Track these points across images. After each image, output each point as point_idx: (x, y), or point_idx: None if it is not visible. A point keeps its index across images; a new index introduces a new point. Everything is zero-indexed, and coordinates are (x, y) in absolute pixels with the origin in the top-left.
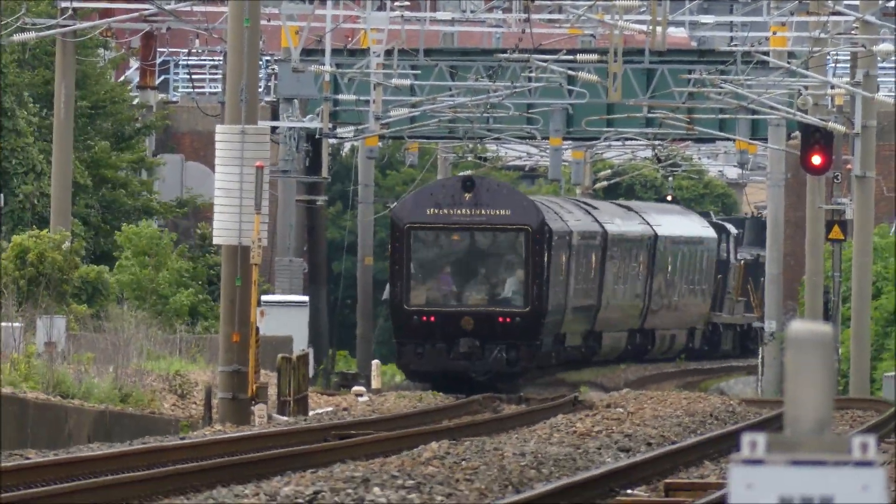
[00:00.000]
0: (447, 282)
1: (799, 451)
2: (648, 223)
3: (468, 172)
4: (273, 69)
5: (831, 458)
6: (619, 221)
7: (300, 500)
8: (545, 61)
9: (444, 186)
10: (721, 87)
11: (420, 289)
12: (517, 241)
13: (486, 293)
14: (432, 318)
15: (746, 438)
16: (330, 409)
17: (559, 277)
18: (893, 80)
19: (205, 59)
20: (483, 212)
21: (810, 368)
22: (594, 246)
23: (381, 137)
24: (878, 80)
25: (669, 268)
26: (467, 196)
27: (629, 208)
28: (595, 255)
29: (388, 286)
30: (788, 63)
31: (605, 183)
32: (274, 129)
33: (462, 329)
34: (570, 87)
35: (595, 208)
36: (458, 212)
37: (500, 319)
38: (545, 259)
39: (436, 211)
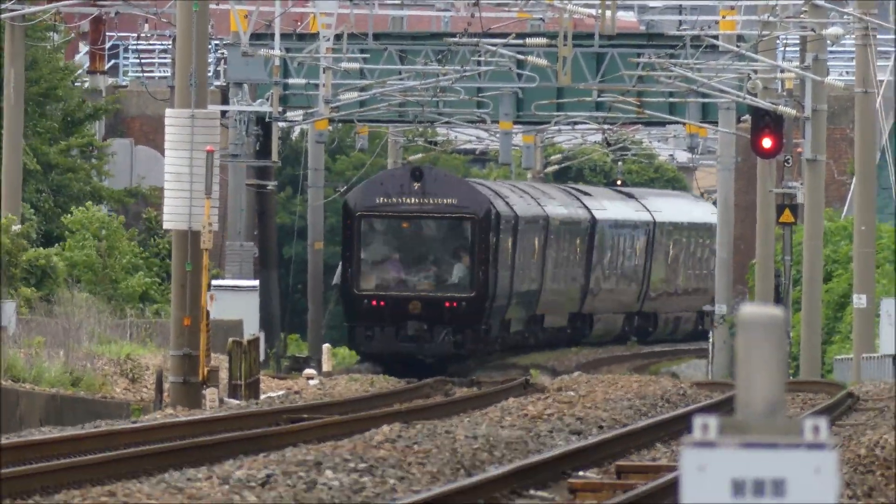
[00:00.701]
0: (396, 268)
1: (751, 434)
2: (587, 208)
3: (418, 156)
4: (222, 53)
5: (783, 441)
6: (560, 206)
7: (253, 484)
8: (494, 45)
9: (393, 176)
10: (671, 71)
11: (370, 274)
12: (463, 229)
13: (433, 279)
14: (382, 303)
15: (698, 421)
16: (281, 392)
17: (506, 263)
18: (843, 63)
19: (154, 44)
20: (431, 200)
21: (761, 351)
22: (537, 230)
23: (331, 121)
24: (828, 63)
25: (609, 253)
26: (416, 185)
27: (571, 192)
28: (538, 240)
29: (338, 270)
30: (738, 47)
31: (555, 167)
32: (224, 113)
33: (410, 313)
34: (520, 72)
35: (542, 192)
36: (407, 200)
37: (447, 304)
38: (490, 246)
39: (386, 199)
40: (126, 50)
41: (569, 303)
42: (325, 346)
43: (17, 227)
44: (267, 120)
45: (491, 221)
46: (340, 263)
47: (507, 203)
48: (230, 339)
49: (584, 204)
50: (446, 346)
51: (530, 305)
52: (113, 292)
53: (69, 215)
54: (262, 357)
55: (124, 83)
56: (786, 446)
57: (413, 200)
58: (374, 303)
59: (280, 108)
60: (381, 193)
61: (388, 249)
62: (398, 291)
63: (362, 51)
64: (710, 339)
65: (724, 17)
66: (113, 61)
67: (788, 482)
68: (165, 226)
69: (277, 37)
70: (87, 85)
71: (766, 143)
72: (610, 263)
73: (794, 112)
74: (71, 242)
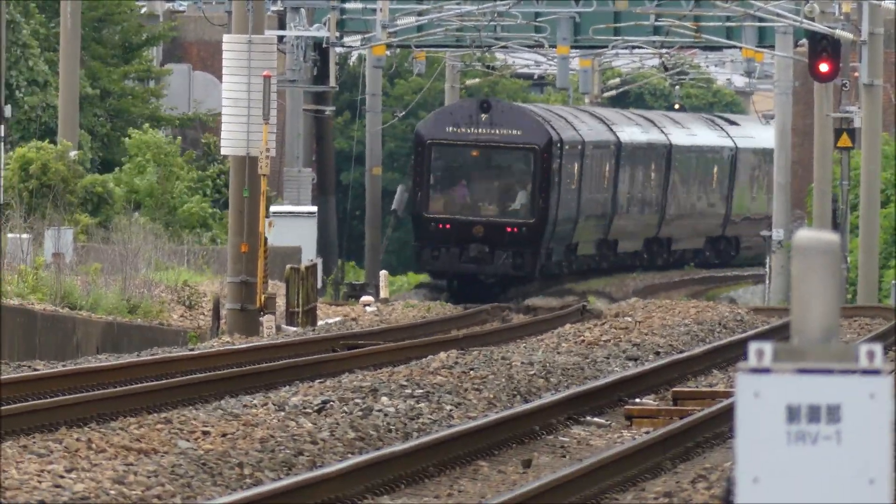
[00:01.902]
0: (462, 193)
1: (806, 360)
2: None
3: (475, 81)
4: None
5: (838, 367)
6: (635, 130)
7: (308, 410)
8: None
9: (462, 107)
10: None
11: (438, 199)
12: (526, 159)
13: (496, 205)
14: (447, 226)
15: (753, 347)
16: (338, 319)
17: (570, 189)
18: None
19: None
20: (497, 131)
21: (817, 277)
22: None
23: (389, 46)
24: None
25: (682, 177)
26: (483, 116)
27: (645, 118)
28: (609, 165)
29: (397, 196)
30: None
31: (613, 92)
32: (281, 38)
33: (474, 236)
34: None
35: (609, 119)
36: (475, 130)
37: (508, 229)
38: (552, 174)
39: (455, 129)
40: None
41: (644, 228)
42: (383, 273)
43: (73, 154)
44: (324, 45)
45: (553, 151)
46: (399, 188)
47: (576, 129)
48: (288, 266)
49: (661, 130)
50: (506, 267)
51: (601, 230)
52: (171, 218)
53: (127, 138)
54: (319, 284)
55: (181, 8)
56: (840, 372)
57: (480, 130)
58: (441, 225)
59: (337, 34)
60: (450, 123)
61: (456, 176)
62: (463, 216)
63: None
64: (768, 264)
65: None
66: None
67: (843, 408)
68: (223, 152)
69: None
70: (144, 10)
71: (823, 67)
72: (686, 189)
73: (851, 36)
74: (130, 168)
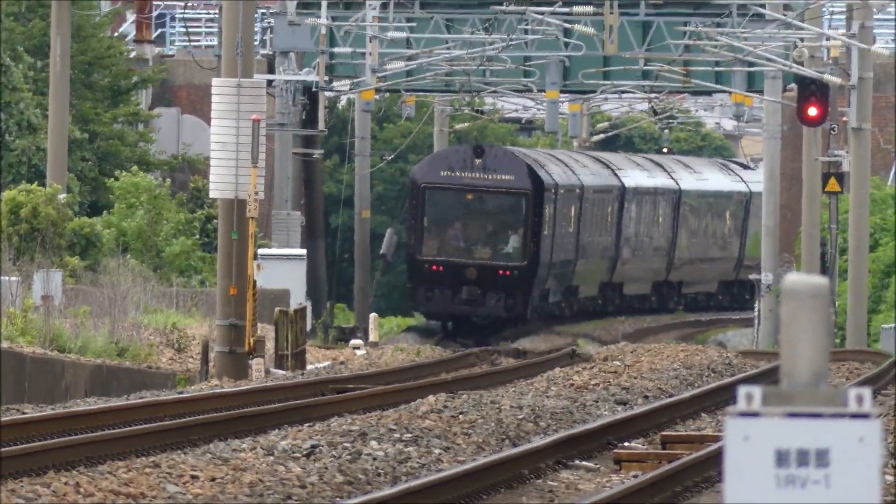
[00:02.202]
0: (456, 236)
1: (795, 404)
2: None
3: (464, 125)
4: (269, 22)
5: (827, 411)
6: (641, 175)
7: (297, 454)
8: (541, 13)
9: (457, 151)
10: (717, 40)
11: (432, 241)
12: (517, 203)
13: (489, 248)
14: (441, 268)
15: (743, 391)
16: (327, 362)
17: (568, 232)
18: (889, 31)
19: (201, 13)
20: (490, 176)
21: (806, 321)
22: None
23: (378, 90)
24: (874, 31)
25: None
26: (478, 161)
27: (654, 162)
28: (611, 208)
29: (385, 239)
30: (784, 15)
31: (602, 136)
32: (270, 82)
33: (467, 278)
34: (567, 40)
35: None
36: (469, 175)
37: (500, 272)
38: (543, 219)
39: (449, 173)
40: (173, 19)
41: (652, 272)
42: (372, 316)
43: (62, 197)
44: (313, 89)
45: (545, 195)
46: (388, 232)
47: (575, 174)
48: (277, 309)
49: (671, 175)
50: (498, 309)
51: (604, 273)
52: (158, 260)
53: (115, 180)
54: (308, 327)
55: (171, 52)
56: (830, 416)
57: (474, 175)
58: (434, 267)
59: (326, 78)
60: (444, 167)
61: (449, 219)
62: (456, 258)
63: (409, 19)
64: (757, 308)
65: None
66: (160, 30)
67: (832, 452)
68: (212, 195)
69: (324, 5)
70: (133, 54)
71: (812, 111)
72: (697, 233)
73: (839, 80)
74: (118, 210)
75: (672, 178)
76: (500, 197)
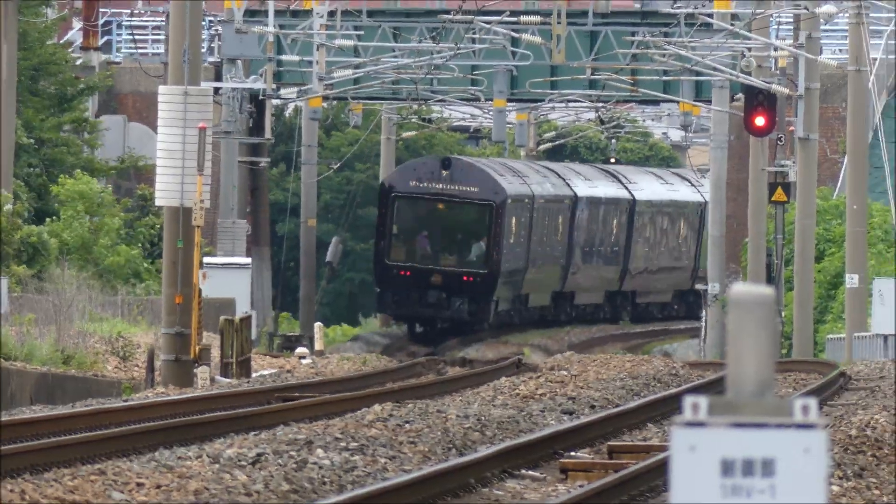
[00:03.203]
0: (423, 243)
1: (741, 414)
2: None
3: (412, 134)
4: (216, 30)
5: (773, 421)
6: (594, 185)
7: (243, 462)
8: (489, 23)
9: (425, 163)
10: (664, 49)
11: (400, 247)
12: (482, 214)
13: (454, 255)
14: (408, 273)
15: (688, 401)
16: (273, 371)
17: (519, 241)
18: (837, 42)
19: (147, 20)
20: (456, 187)
21: (752, 330)
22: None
23: (325, 98)
24: (821, 42)
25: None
26: (445, 173)
27: (609, 172)
28: (562, 218)
29: (331, 248)
30: (732, 25)
31: (549, 145)
32: (217, 90)
33: (432, 283)
34: (514, 49)
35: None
36: (436, 185)
37: (464, 278)
38: (503, 229)
39: (417, 183)
40: (119, 26)
41: (605, 282)
42: (318, 325)
43: (9, 207)
44: (260, 97)
45: (507, 206)
46: (333, 240)
47: (528, 184)
48: (222, 318)
49: (625, 185)
50: (461, 313)
51: (555, 282)
52: (101, 269)
53: (60, 186)
54: (253, 335)
55: (117, 59)
56: (775, 426)
57: (441, 186)
58: (402, 272)
59: (274, 85)
60: (413, 178)
61: (417, 227)
62: (423, 264)
63: (356, 28)
64: (703, 319)
65: None
66: (106, 38)
67: (778, 462)
68: (158, 202)
69: (271, 13)
70: (80, 61)
71: (759, 121)
72: (651, 243)
73: (786, 90)
74: (63, 218)
75: (626, 187)
76: (465, 207)
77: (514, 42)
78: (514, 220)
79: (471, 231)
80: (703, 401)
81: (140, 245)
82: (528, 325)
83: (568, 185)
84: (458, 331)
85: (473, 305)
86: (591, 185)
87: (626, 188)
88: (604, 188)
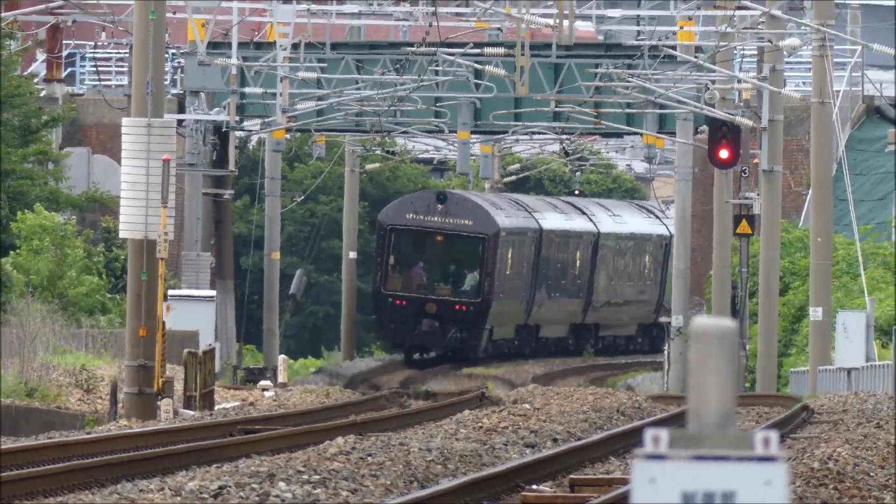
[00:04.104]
0: (419, 274)
1: (702, 447)
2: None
3: (375, 166)
4: (179, 62)
5: (734, 454)
6: (559, 217)
7: (205, 495)
8: (452, 55)
9: (421, 197)
10: (628, 81)
11: (396, 278)
12: (476, 247)
13: (448, 285)
14: (404, 302)
15: (649, 434)
16: (236, 403)
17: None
18: (800, 74)
19: (111, 52)
20: (451, 220)
21: (713, 363)
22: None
23: (288, 130)
24: (785, 74)
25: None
26: (440, 206)
27: (573, 206)
28: (528, 251)
29: (295, 280)
30: (695, 57)
31: (513, 177)
32: (180, 122)
33: (427, 312)
34: (478, 81)
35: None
36: (432, 218)
37: (457, 307)
38: (497, 262)
39: (413, 216)
40: (83, 58)
41: (569, 315)
42: (281, 358)
43: None
44: (224, 129)
45: (499, 241)
46: (297, 273)
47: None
48: (185, 350)
49: (590, 218)
50: (454, 341)
51: (520, 315)
52: (64, 301)
53: (18, 222)
54: (217, 368)
55: (81, 92)
56: (736, 459)
57: (436, 219)
58: (398, 302)
59: (237, 118)
60: (409, 210)
61: (412, 258)
62: (418, 294)
63: (320, 60)
64: (667, 352)
65: (681, 27)
66: (70, 69)
67: (738, 495)
68: (122, 234)
69: (235, 46)
70: (43, 93)
71: (723, 153)
72: (615, 276)
73: (750, 123)
74: (25, 251)
75: (591, 220)
76: (459, 239)
77: (478, 74)
78: (509, 252)
79: (465, 262)
80: (664, 434)
81: (99, 274)
82: (493, 359)
83: (533, 217)
84: (454, 358)
85: (465, 333)
86: (555, 217)
87: (591, 220)
88: (568, 221)
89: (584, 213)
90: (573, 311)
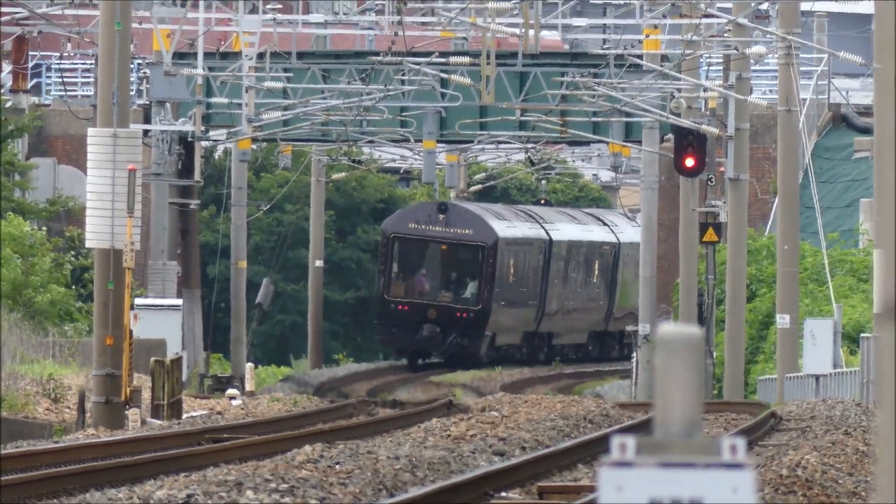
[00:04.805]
0: (420, 281)
1: (669, 453)
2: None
3: (341, 175)
4: (145, 72)
5: (701, 460)
6: (512, 225)
7: None
8: (418, 64)
9: (423, 207)
10: (594, 90)
11: (399, 285)
12: (475, 255)
13: (449, 292)
14: (406, 308)
15: (616, 441)
16: (204, 412)
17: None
18: (767, 82)
19: (77, 63)
20: (452, 230)
21: (679, 371)
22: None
23: (255, 140)
24: (751, 82)
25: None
26: (441, 216)
27: (528, 213)
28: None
29: (261, 290)
30: (661, 66)
31: (479, 186)
32: (146, 132)
33: (428, 318)
34: (444, 90)
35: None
36: (433, 228)
37: (458, 314)
38: (495, 270)
39: (416, 226)
40: (49, 69)
41: (523, 323)
42: (248, 366)
43: None
44: (189, 139)
45: (497, 249)
46: (264, 282)
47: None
48: (153, 359)
49: (542, 225)
50: (454, 346)
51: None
52: (31, 310)
53: None
54: (184, 376)
55: (47, 102)
56: (703, 466)
57: (438, 229)
58: (400, 307)
59: (203, 128)
60: (412, 220)
61: (415, 266)
62: (419, 300)
63: (285, 70)
64: (635, 359)
65: (647, 36)
66: (35, 80)
67: (706, 501)
68: (88, 244)
69: (200, 56)
70: (9, 104)
71: (689, 162)
72: (567, 284)
73: (716, 131)
74: None
75: (543, 227)
76: (459, 248)
77: (444, 83)
78: (510, 261)
79: (465, 270)
80: (630, 441)
81: (68, 284)
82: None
83: (488, 225)
84: (456, 362)
85: (465, 339)
86: (507, 225)
87: (543, 228)
88: (521, 228)
89: (536, 221)
90: (527, 318)
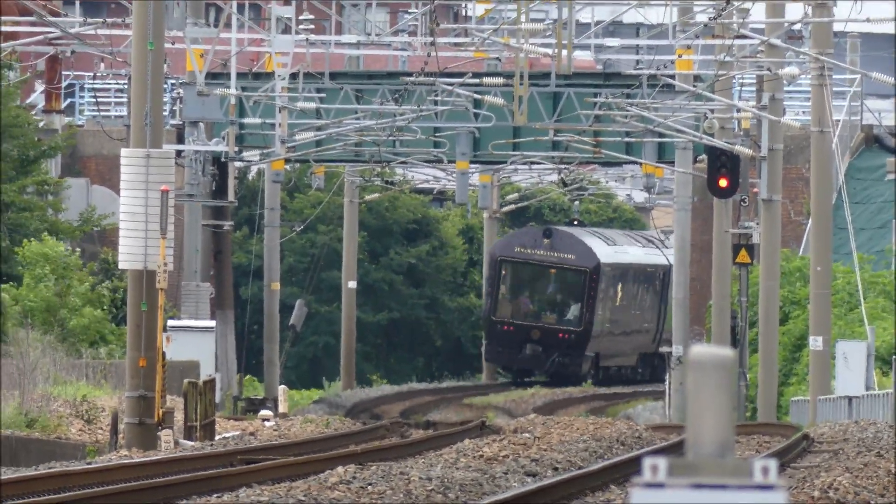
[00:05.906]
0: (525, 303)
1: (700, 475)
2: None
3: (374, 196)
4: (178, 93)
5: (733, 482)
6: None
7: None
8: (451, 84)
9: (529, 232)
10: (627, 111)
11: (505, 305)
12: (578, 279)
13: (552, 313)
14: (511, 328)
15: (648, 462)
16: (236, 433)
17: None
18: (800, 103)
19: (110, 83)
20: (556, 254)
21: (711, 392)
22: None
23: (287, 161)
24: (784, 103)
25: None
26: (546, 241)
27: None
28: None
29: (295, 311)
30: (694, 86)
31: (512, 207)
32: (179, 152)
33: (531, 338)
34: (477, 111)
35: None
36: (539, 252)
37: (560, 335)
38: (598, 293)
39: (522, 249)
40: (82, 89)
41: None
42: (282, 388)
43: None
44: (223, 160)
45: (600, 274)
46: (297, 303)
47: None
48: (186, 381)
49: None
50: (555, 366)
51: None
52: (64, 332)
53: (23, 248)
54: (217, 398)
55: (80, 122)
56: (735, 487)
57: (543, 253)
58: (505, 328)
59: (236, 148)
60: (518, 244)
61: (520, 288)
62: (524, 321)
63: (318, 90)
64: (667, 381)
65: (680, 56)
66: (69, 100)
67: None
68: (121, 266)
69: (233, 76)
70: (42, 124)
71: (723, 182)
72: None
73: (750, 152)
74: (28, 281)
75: (653, 252)
76: (563, 271)
77: (477, 104)
78: (612, 286)
79: (568, 293)
80: (662, 462)
81: (103, 308)
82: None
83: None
84: (558, 381)
85: (566, 359)
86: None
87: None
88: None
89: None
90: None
